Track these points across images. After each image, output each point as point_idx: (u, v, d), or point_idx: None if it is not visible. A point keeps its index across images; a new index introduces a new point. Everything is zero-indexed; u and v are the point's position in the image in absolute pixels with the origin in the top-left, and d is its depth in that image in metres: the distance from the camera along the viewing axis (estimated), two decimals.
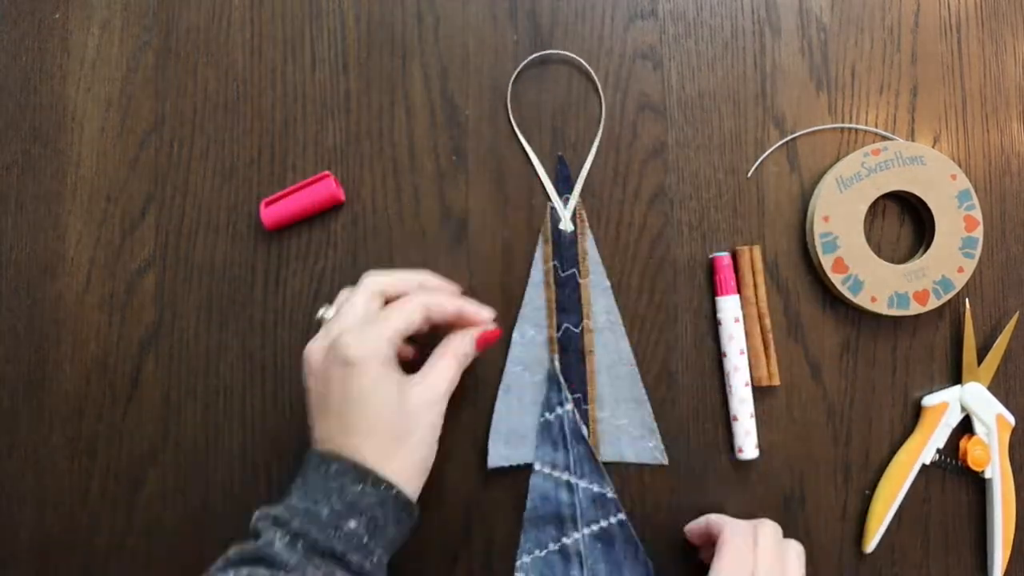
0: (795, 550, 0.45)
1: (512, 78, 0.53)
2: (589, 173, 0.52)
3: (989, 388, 0.52)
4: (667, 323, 0.52)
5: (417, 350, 0.48)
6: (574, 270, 0.52)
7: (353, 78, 0.53)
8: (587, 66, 0.53)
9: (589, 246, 0.52)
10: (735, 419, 0.51)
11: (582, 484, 0.50)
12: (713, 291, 0.52)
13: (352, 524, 0.39)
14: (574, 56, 0.53)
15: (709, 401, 0.52)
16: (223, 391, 0.52)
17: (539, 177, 0.52)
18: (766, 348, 0.51)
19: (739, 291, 0.51)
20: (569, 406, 0.51)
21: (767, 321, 0.51)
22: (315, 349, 0.43)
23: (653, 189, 0.53)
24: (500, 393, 0.51)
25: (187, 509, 0.52)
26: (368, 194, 0.53)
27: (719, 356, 0.52)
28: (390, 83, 0.53)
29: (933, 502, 0.52)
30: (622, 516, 0.50)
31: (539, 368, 0.51)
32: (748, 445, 0.50)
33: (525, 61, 0.53)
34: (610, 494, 0.50)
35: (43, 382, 0.53)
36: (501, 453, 0.51)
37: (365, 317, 0.43)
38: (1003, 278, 0.53)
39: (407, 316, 0.43)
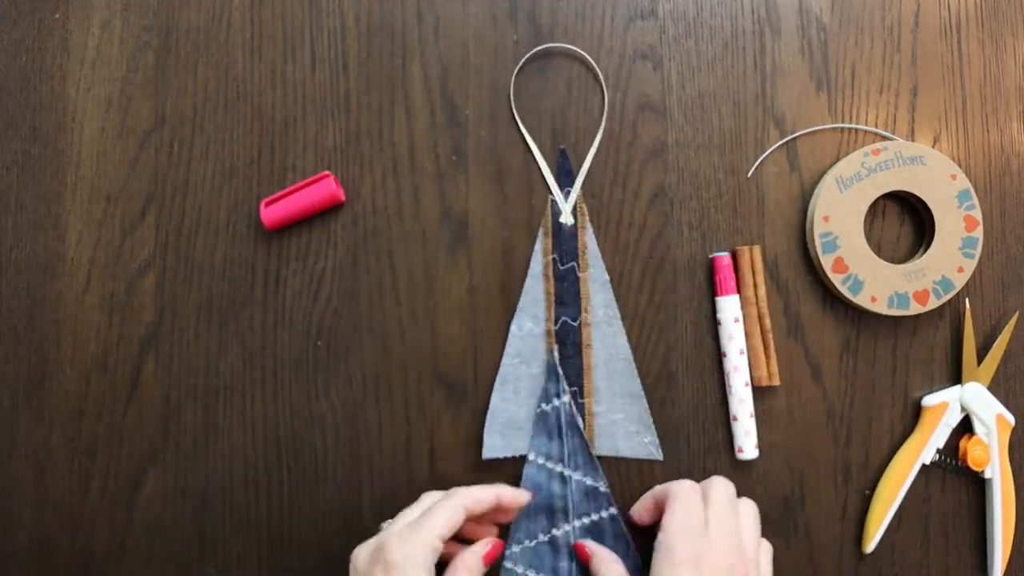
0: (749, 507, 0.45)
1: (516, 70, 0.53)
2: (590, 173, 0.52)
3: (989, 388, 0.52)
4: (667, 323, 0.52)
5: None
6: (573, 263, 0.52)
7: (353, 78, 0.53)
8: (589, 59, 0.53)
9: (589, 240, 0.52)
10: (735, 419, 0.51)
11: (575, 476, 0.50)
12: (713, 291, 0.52)
13: None
14: (577, 50, 0.53)
15: (709, 401, 0.52)
16: (223, 391, 0.52)
17: (540, 173, 0.52)
18: (766, 348, 0.51)
19: (739, 291, 0.51)
20: (566, 398, 0.51)
21: (767, 321, 0.51)
22: (362, 551, 0.43)
23: (653, 189, 0.53)
24: (496, 385, 0.51)
25: (187, 509, 0.52)
26: (368, 194, 0.53)
27: (719, 356, 0.52)
28: (390, 83, 0.53)
29: (933, 502, 0.52)
30: (613, 511, 0.50)
31: (536, 360, 0.51)
32: (748, 445, 0.50)
33: (529, 53, 0.53)
34: (603, 488, 0.50)
35: (43, 382, 0.53)
36: (496, 444, 0.51)
37: (414, 522, 0.44)
38: (1003, 278, 0.53)
39: (448, 518, 0.44)
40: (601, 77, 0.53)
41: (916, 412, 0.52)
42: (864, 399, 0.52)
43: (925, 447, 0.51)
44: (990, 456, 0.51)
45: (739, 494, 0.47)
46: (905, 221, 0.53)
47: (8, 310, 0.53)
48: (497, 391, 0.51)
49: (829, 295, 0.52)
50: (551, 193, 0.52)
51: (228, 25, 0.54)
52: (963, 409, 0.51)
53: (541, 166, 0.52)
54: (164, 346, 0.52)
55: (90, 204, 0.53)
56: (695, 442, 0.52)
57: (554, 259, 0.52)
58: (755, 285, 0.51)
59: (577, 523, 0.50)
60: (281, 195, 0.52)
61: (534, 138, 0.53)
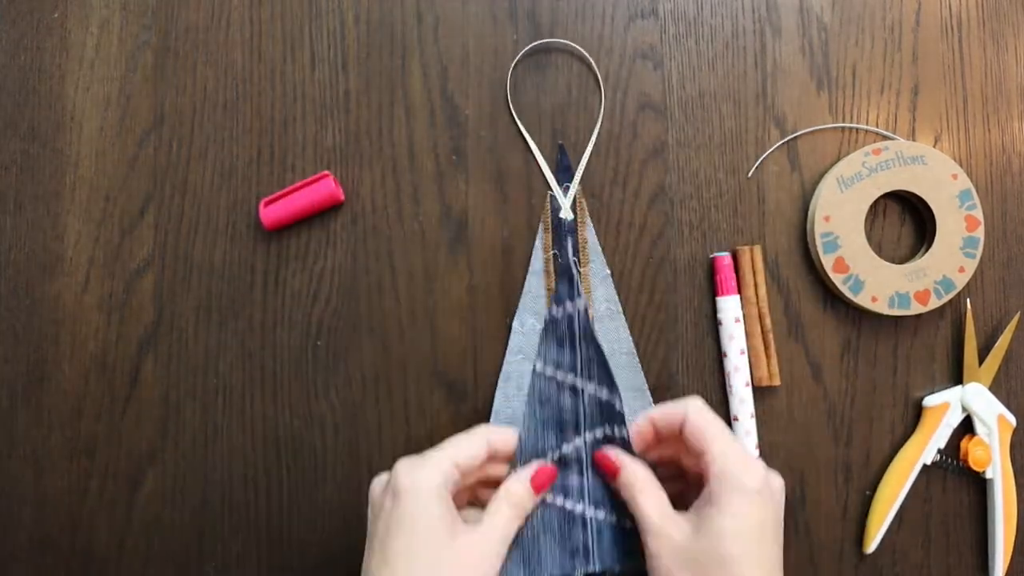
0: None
1: (512, 64, 0.53)
2: (590, 173, 0.52)
3: (990, 388, 0.52)
4: (667, 323, 0.52)
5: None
6: (574, 259, 0.52)
7: (353, 78, 0.53)
8: (587, 56, 0.53)
9: (589, 234, 0.52)
10: (735, 419, 0.51)
11: (589, 389, 0.44)
12: (713, 291, 0.52)
13: None
14: (575, 46, 0.53)
15: (709, 401, 0.52)
16: (222, 391, 0.52)
17: (540, 173, 0.52)
18: (766, 348, 0.51)
19: (739, 291, 0.51)
20: (581, 302, 0.45)
21: (767, 321, 0.51)
22: (377, 483, 0.41)
23: (653, 189, 0.52)
24: (500, 382, 0.51)
25: (186, 509, 0.52)
26: (368, 194, 0.53)
27: (719, 356, 0.52)
28: (390, 83, 0.53)
29: (934, 502, 0.52)
30: (626, 431, 0.43)
31: None
32: (748, 445, 0.50)
33: (528, 47, 0.53)
34: (619, 407, 0.43)
35: (42, 382, 0.53)
36: (505, 569, 0.46)
37: (429, 450, 0.40)
38: (1004, 278, 0.53)
39: (467, 445, 0.40)
40: (598, 73, 0.53)
41: (917, 412, 0.52)
42: (865, 399, 0.52)
43: (926, 447, 0.51)
44: (991, 456, 0.51)
45: None
46: (906, 221, 0.53)
47: (7, 310, 0.53)
48: (500, 389, 0.51)
49: (830, 295, 0.52)
50: (550, 189, 0.52)
51: (227, 24, 0.54)
52: (964, 409, 0.51)
53: (540, 162, 0.52)
54: (163, 346, 0.52)
55: (89, 203, 0.53)
56: None
57: (555, 254, 0.52)
58: (756, 285, 0.51)
59: (589, 436, 0.44)
60: (280, 195, 0.52)
61: (534, 137, 0.53)
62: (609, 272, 0.51)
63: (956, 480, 0.52)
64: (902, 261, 0.52)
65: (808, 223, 0.52)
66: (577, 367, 0.45)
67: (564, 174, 0.52)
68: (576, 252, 0.51)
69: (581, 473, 0.44)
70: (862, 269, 0.51)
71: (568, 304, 0.46)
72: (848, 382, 0.52)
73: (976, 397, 0.51)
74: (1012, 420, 0.51)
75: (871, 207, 0.51)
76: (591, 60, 0.53)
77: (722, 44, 0.53)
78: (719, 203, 0.53)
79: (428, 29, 0.53)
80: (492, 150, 0.53)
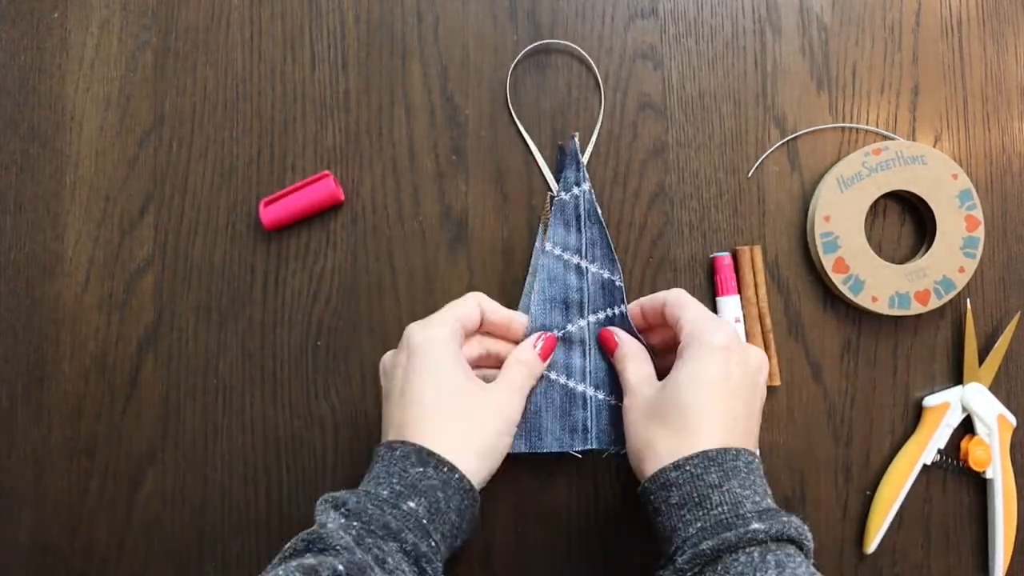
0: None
1: (512, 65, 0.53)
2: (590, 173, 0.52)
3: (990, 388, 0.52)
4: None
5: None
6: (576, 143, 0.52)
7: (353, 77, 0.53)
8: (587, 57, 0.53)
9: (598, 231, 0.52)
10: None
11: (592, 269, 0.49)
12: (714, 291, 0.52)
13: (411, 504, 0.38)
14: (574, 46, 0.53)
15: None
16: (222, 391, 0.52)
17: (540, 173, 0.52)
18: (767, 348, 0.51)
19: (740, 291, 0.51)
20: (586, 186, 0.50)
21: (768, 321, 0.51)
22: (387, 354, 0.45)
23: (653, 189, 0.52)
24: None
25: (186, 509, 0.52)
26: (368, 194, 0.53)
27: None
28: (390, 82, 0.53)
29: (934, 502, 0.52)
30: (624, 307, 0.48)
31: None
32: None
33: (527, 48, 0.53)
34: (618, 282, 0.48)
35: (42, 382, 0.53)
36: None
37: (432, 314, 0.45)
38: (1004, 278, 0.53)
39: (464, 305, 0.45)
40: (597, 74, 0.53)
41: (917, 412, 0.52)
42: (865, 399, 0.52)
43: (926, 447, 0.51)
44: (991, 456, 0.51)
45: None
46: (906, 221, 0.53)
47: (7, 310, 0.53)
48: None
49: (830, 295, 0.52)
50: (550, 189, 0.52)
51: (227, 24, 0.54)
52: (964, 409, 0.51)
53: (539, 162, 0.52)
54: (163, 346, 0.52)
55: (89, 203, 0.53)
56: None
57: (564, 246, 0.51)
58: (756, 285, 0.51)
59: (592, 318, 0.48)
60: (280, 195, 0.52)
61: (535, 138, 0.53)
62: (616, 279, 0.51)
63: (956, 480, 0.52)
64: (902, 261, 0.52)
65: (808, 223, 0.52)
66: (582, 248, 0.49)
67: (571, 166, 0.52)
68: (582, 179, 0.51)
69: (584, 355, 0.48)
70: (862, 269, 0.51)
71: (575, 189, 0.50)
72: (848, 382, 0.52)
73: (976, 397, 0.51)
74: (1012, 420, 0.51)
75: (871, 207, 0.51)
76: (591, 61, 0.53)
77: (722, 44, 0.53)
78: (719, 203, 0.53)
79: (428, 29, 0.53)
80: (492, 150, 0.53)
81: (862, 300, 0.50)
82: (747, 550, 0.36)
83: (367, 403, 0.52)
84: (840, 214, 0.51)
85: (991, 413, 0.51)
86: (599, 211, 0.50)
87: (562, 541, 0.51)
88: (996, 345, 0.52)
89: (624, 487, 0.51)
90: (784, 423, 0.52)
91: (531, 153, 0.53)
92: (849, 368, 0.52)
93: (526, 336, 0.48)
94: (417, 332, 0.43)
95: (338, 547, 0.35)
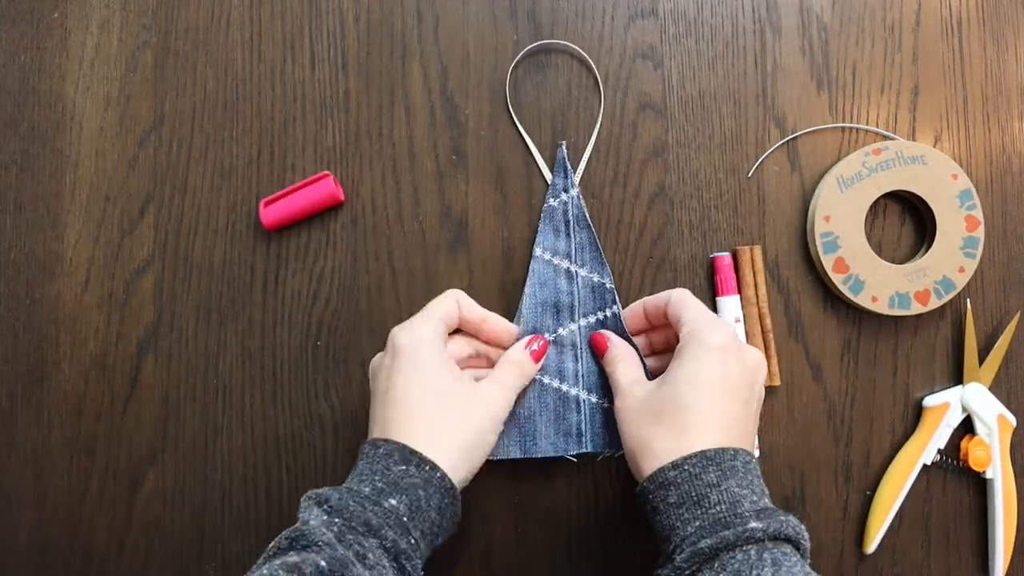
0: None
1: (511, 66, 0.53)
2: (590, 173, 0.52)
3: (990, 388, 0.52)
4: None
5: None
6: (565, 152, 0.52)
7: (353, 77, 0.53)
8: (587, 57, 0.53)
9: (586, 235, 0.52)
10: None
11: (582, 272, 0.50)
12: (714, 291, 0.52)
13: (392, 501, 0.39)
14: (574, 46, 0.53)
15: None
16: (222, 391, 0.52)
17: (540, 173, 0.52)
18: (767, 348, 0.51)
19: (740, 291, 0.51)
20: (574, 191, 0.51)
21: (768, 321, 0.51)
22: (375, 359, 0.45)
23: (653, 189, 0.52)
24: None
25: (186, 509, 0.52)
26: (368, 194, 0.53)
27: None
28: (390, 82, 0.53)
29: (934, 502, 0.52)
30: (616, 309, 0.49)
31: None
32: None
33: (526, 49, 0.53)
34: (609, 284, 0.49)
35: (42, 382, 0.53)
36: (502, 444, 0.50)
37: (414, 316, 0.45)
38: (1004, 278, 0.53)
39: (444, 303, 0.45)
40: (597, 74, 0.53)
41: (917, 412, 0.52)
42: (865, 399, 0.52)
43: (926, 447, 0.51)
44: (991, 456, 0.51)
45: None
46: (906, 221, 0.53)
47: (7, 310, 0.53)
48: None
49: (830, 295, 0.52)
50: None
51: (227, 24, 0.54)
52: (964, 409, 0.51)
53: (539, 162, 0.52)
54: (163, 346, 0.52)
55: (89, 204, 0.53)
56: None
57: (555, 251, 0.51)
58: (756, 285, 0.51)
59: (583, 322, 0.49)
60: (280, 195, 0.52)
61: (535, 138, 0.53)
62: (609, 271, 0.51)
63: (956, 480, 0.52)
64: (902, 261, 0.52)
65: (808, 223, 0.52)
66: (571, 253, 0.50)
67: (559, 173, 0.52)
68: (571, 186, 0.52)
69: (576, 359, 0.49)
70: (862, 269, 0.51)
71: (563, 195, 0.51)
72: (848, 382, 0.52)
73: (976, 397, 0.51)
74: (1012, 420, 0.51)
75: (871, 207, 0.51)
76: (591, 61, 0.53)
77: (722, 44, 0.53)
78: (719, 203, 0.53)
79: (428, 29, 0.53)
80: (492, 150, 0.53)
81: (862, 300, 0.50)
82: (744, 548, 0.36)
83: (367, 403, 0.52)
84: (840, 214, 0.51)
85: (991, 413, 0.51)
86: (588, 216, 0.50)
87: (562, 541, 0.51)
88: (996, 345, 0.52)
89: (624, 487, 0.51)
90: (784, 423, 0.52)
91: (531, 153, 0.52)
92: (849, 368, 0.52)
93: (519, 339, 0.48)
94: (401, 334, 0.43)
95: (320, 543, 0.36)
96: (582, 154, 0.52)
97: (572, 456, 0.49)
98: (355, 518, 0.37)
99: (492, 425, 0.43)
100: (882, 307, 0.51)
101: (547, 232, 0.51)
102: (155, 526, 0.52)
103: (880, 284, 0.51)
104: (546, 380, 0.49)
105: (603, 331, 0.48)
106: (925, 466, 0.51)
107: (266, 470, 0.52)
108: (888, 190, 0.51)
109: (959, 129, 0.53)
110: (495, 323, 0.48)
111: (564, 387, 0.49)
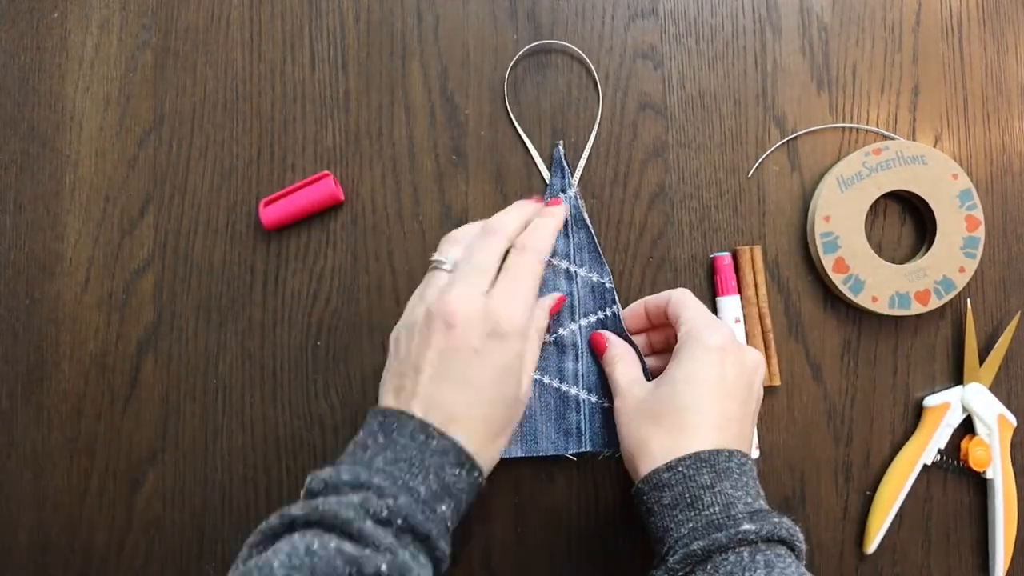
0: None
1: (510, 65, 0.53)
2: (590, 173, 0.52)
3: (991, 388, 0.52)
4: None
5: None
6: (562, 151, 0.52)
7: (353, 77, 0.53)
8: (585, 57, 0.53)
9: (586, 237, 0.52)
10: None
11: (581, 272, 0.50)
12: (714, 291, 0.52)
13: (444, 507, 0.37)
14: (573, 47, 0.53)
15: None
16: (222, 391, 0.52)
17: (539, 169, 0.52)
18: (767, 348, 0.51)
19: (740, 291, 0.51)
20: (572, 191, 0.51)
21: (768, 321, 0.51)
22: (463, 301, 0.39)
23: (653, 189, 0.52)
24: None
25: (186, 509, 0.52)
26: (368, 194, 0.53)
27: None
28: (390, 82, 0.53)
29: (934, 503, 0.52)
30: (616, 308, 0.49)
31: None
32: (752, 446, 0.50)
33: (526, 49, 0.53)
34: (608, 284, 0.49)
35: (41, 382, 0.53)
36: None
37: (464, 274, 0.41)
38: (1005, 278, 0.53)
39: (538, 276, 0.43)
40: (595, 73, 0.53)
41: (917, 412, 0.52)
42: (865, 399, 0.52)
43: (926, 447, 0.51)
44: (991, 457, 0.51)
45: None
46: (906, 221, 0.53)
47: (7, 310, 0.53)
48: None
49: (830, 295, 0.52)
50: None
51: (227, 24, 0.54)
52: (964, 409, 0.51)
53: (538, 162, 0.52)
54: (163, 346, 0.52)
55: (89, 203, 0.53)
56: None
57: (553, 252, 0.51)
58: (756, 285, 0.51)
59: (583, 322, 0.49)
60: (280, 195, 0.52)
61: (535, 138, 0.53)
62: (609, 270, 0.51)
63: (956, 480, 0.52)
64: (902, 261, 0.52)
65: (808, 223, 0.52)
66: (570, 253, 0.50)
67: (557, 173, 0.52)
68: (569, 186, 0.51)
69: (577, 359, 0.49)
70: (862, 269, 0.51)
71: (561, 195, 0.51)
72: (848, 382, 0.52)
73: (976, 397, 0.51)
74: (1012, 420, 0.51)
75: (871, 207, 0.51)
76: (590, 62, 0.53)
77: (722, 44, 0.53)
78: (719, 203, 0.53)
79: (428, 29, 0.53)
80: (492, 150, 0.53)
81: (862, 300, 0.50)
82: (737, 550, 0.36)
83: (367, 403, 0.52)
84: (840, 214, 0.51)
85: (991, 413, 0.51)
86: (586, 216, 0.50)
87: (562, 541, 0.51)
88: (996, 345, 0.52)
89: (624, 488, 0.51)
90: (784, 423, 0.52)
91: (531, 153, 0.52)
92: (849, 368, 0.52)
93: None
94: (507, 317, 0.40)
95: (380, 545, 0.34)
96: (582, 154, 0.52)
97: (572, 455, 0.49)
98: (417, 527, 0.35)
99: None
100: (882, 307, 0.50)
101: None
102: (155, 526, 0.52)
103: (880, 284, 0.51)
104: (546, 380, 0.49)
105: (602, 331, 0.49)
106: (925, 466, 0.51)
107: (266, 470, 0.52)
108: (888, 190, 0.51)
109: (959, 129, 0.53)
110: (549, 212, 0.47)
111: (564, 387, 0.49)
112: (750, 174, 0.53)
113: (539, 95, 0.53)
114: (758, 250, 0.52)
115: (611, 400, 0.46)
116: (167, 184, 0.53)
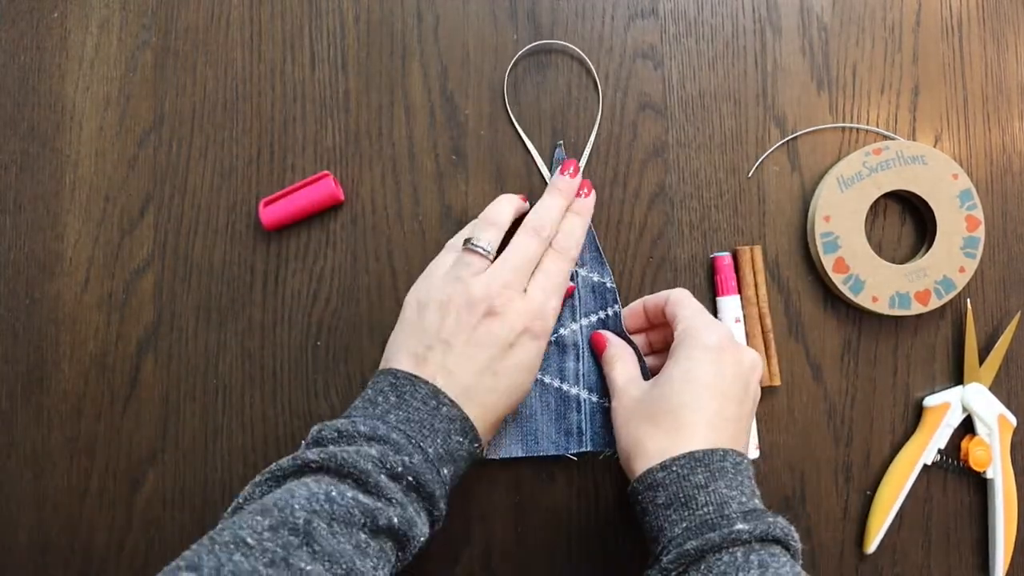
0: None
1: (510, 65, 0.53)
2: (590, 173, 0.52)
3: (991, 388, 0.52)
4: None
5: None
6: (560, 146, 0.52)
7: (352, 77, 0.53)
8: (585, 57, 0.53)
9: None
10: None
11: (582, 272, 0.50)
12: (714, 291, 0.52)
13: (446, 471, 0.39)
14: (572, 47, 0.53)
15: None
16: (222, 391, 0.52)
17: (539, 171, 0.52)
18: (767, 348, 0.51)
19: (740, 291, 0.51)
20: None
21: (768, 321, 0.51)
22: (507, 297, 0.42)
23: (653, 189, 0.52)
24: None
25: (186, 509, 0.52)
26: (368, 194, 0.53)
27: None
28: (390, 82, 0.53)
29: (934, 503, 0.52)
30: (617, 308, 0.49)
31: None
32: (749, 445, 0.50)
33: (525, 49, 0.53)
34: (610, 284, 0.50)
35: (41, 382, 0.53)
36: (504, 443, 0.50)
37: (543, 277, 0.44)
38: (1005, 278, 0.53)
39: (568, 279, 0.46)
40: (595, 73, 0.53)
41: (917, 412, 0.52)
42: (865, 399, 0.52)
43: (926, 447, 0.51)
44: (992, 457, 0.51)
45: None
46: (906, 221, 0.53)
47: (7, 310, 0.53)
48: None
49: (830, 295, 0.52)
50: None
51: (227, 24, 0.54)
52: (965, 409, 0.51)
53: (538, 162, 0.52)
54: (163, 346, 0.52)
55: (89, 203, 0.53)
56: None
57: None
58: (756, 285, 0.51)
59: (584, 321, 0.50)
60: (280, 195, 0.52)
61: (535, 138, 0.53)
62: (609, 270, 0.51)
63: (956, 480, 0.52)
64: (902, 261, 0.52)
65: (808, 223, 0.52)
66: None
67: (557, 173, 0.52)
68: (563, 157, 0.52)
69: (578, 359, 0.49)
70: (862, 269, 0.51)
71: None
72: (848, 382, 0.52)
73: (976, 397, 0.51)
74: (1012, 420, 0.51)
75: (871, 207, 0.51)
76: (590, 63, 0.53)
77: (722, 44, 0.53)
78: (719, 203, 0.53)
79: (428, 29, 0.53)
80: (492, 150, 0.53)
81: (862, 300, 0.50)
82: (731, 550, 0.36)
83: None
84: (840, 214, 0.51)
85: (991, 413, 0.51)
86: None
87: (562, 541, 0.51)
88: (996, 345, 0.52)
89: (624, 487, 0.51)
90: (784, 423, 0.52)
91: (531, 153, 0.52)
92: (849, 368, 0.52)
93: None
94: (542, 323, 0.43)
95: (394, 499, 0.36)
96: (582, 154, 0.52)
97: (573, 455, 0.49)
98: (424, 486, 0.38)
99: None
100: (882, 307, 0.50)
101: None
102: (155, 526, 0.52)
103: (880, 284, 0.51)
104: (547, 379, 0.49)
105: (602, 331, 0.49)
106: (925, 466, 0.51)
107: None
108: (888, 190, 0.51)
109: (959, 129, 0.53)
110: (519, 204, 0.49)
111: (565, 386, 0.49)
112: (750, 174, 0.53)
113: (539, 95, 0.53)
114: (758, 250, 0.52)
115: (611, 400, 0.46)
116: (167, 184, 0.53)
